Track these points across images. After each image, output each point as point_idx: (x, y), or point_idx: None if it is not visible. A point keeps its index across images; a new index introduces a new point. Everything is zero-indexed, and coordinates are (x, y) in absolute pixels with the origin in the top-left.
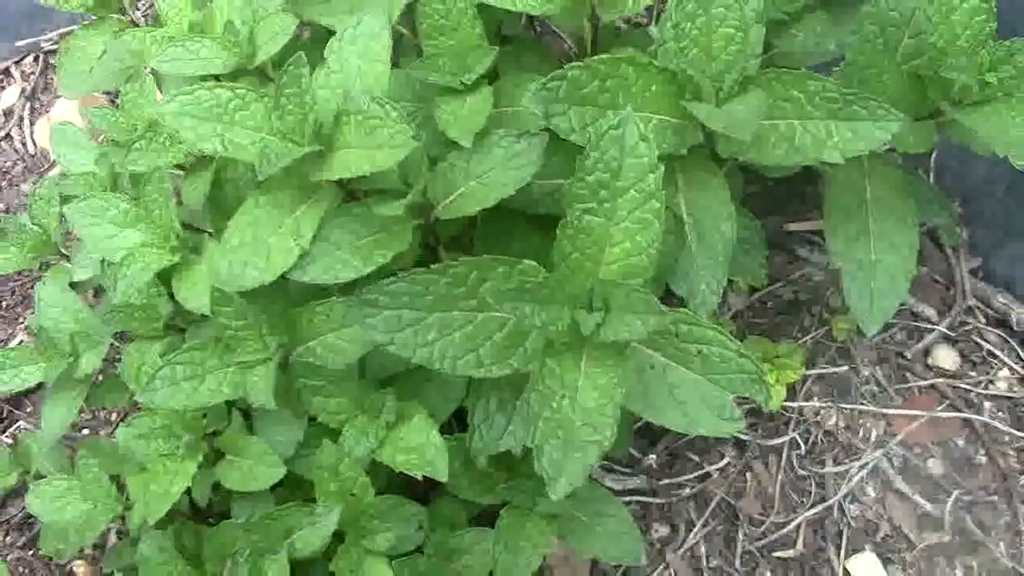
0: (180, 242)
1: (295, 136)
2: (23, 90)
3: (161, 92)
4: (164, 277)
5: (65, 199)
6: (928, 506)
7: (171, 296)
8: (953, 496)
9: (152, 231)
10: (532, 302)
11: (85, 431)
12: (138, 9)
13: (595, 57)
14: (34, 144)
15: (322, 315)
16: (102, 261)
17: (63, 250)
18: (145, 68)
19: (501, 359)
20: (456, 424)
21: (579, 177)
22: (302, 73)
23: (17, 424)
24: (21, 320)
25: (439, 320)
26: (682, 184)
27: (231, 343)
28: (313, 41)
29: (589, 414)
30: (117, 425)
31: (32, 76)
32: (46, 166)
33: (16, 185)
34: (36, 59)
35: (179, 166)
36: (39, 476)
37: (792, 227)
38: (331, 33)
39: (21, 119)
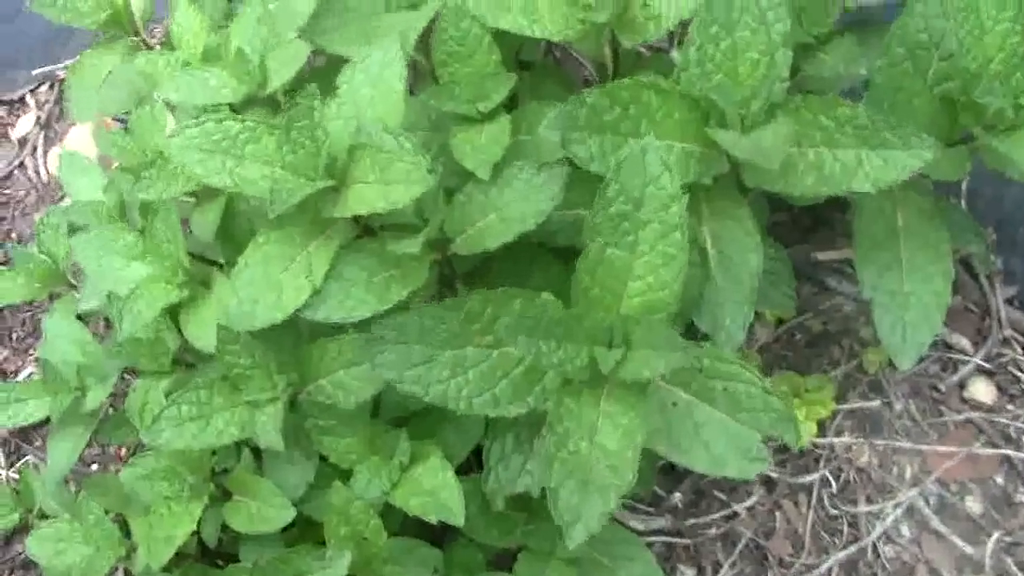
0: (188, 277)
1: (307, 171)
2: (38, 118)
3: (173, 117)
4: (172, 311)
5: (73, 228)
6: (967, 547)
7: (180, 331)
8: (993, 537)
9: (160, 265)
10: (548, 338)
11: (95, 466)
12: (153, 36)
13: (616, 82)
14: (48, 173)
15: (333, 352)
16: (108, 294)
17: (72, 280)
18: (156, 94)
19: (518, 397)
20: (476, 464)
21: (599, 209)
22: (313, 105)
23: (25, 459)
24: (31, 352)
25: (452, 357)
26: (706, 214)
27: (238, 381)
28: (328, 69)
29: (609, 456)
30: (127, 460)
31: (47, 105)
32: (60, 195)
33: (29, 215)
34: (51, 87)
35: (191, 193)
36: (43, 515)
37: (820, 256)
38: (346, 61)
39: (35, 148)
